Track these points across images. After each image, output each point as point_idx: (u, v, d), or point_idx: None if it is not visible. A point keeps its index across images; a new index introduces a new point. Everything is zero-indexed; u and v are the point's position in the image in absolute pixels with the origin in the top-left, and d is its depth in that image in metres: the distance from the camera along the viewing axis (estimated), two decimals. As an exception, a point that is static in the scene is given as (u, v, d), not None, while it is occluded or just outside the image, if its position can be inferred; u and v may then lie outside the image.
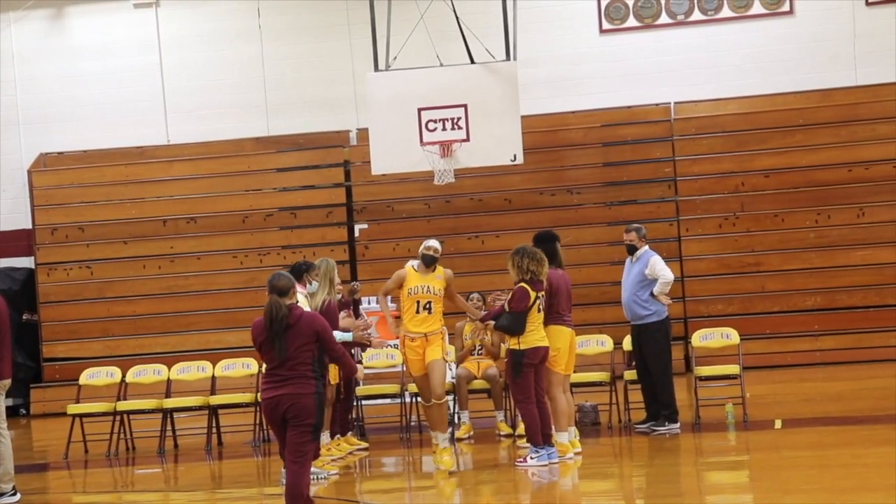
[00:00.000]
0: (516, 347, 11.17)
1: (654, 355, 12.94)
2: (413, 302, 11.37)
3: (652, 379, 12.98)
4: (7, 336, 11.09)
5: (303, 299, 11.16)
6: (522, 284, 11.19)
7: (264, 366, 8.53)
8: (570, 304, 11.86)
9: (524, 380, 11.15)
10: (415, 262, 11.53)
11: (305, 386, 8.34)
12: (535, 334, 11.20)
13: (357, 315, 13.51)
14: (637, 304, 12.96)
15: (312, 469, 11.28)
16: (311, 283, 11.57)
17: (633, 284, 13.01)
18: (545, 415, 11.30)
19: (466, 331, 14.08)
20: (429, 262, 11.41)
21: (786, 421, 13.13)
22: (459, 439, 13.41)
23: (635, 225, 13.40)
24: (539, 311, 11.22)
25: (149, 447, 14.47)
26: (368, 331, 13.42)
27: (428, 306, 11.33)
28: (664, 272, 12.85)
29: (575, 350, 12.01)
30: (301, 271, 11.61)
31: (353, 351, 12.75)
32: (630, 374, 13.45)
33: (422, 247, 11.53)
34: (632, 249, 13.15)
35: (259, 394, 8.62)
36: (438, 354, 11.31)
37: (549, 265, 11.68)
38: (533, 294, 11.16)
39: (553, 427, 11.46)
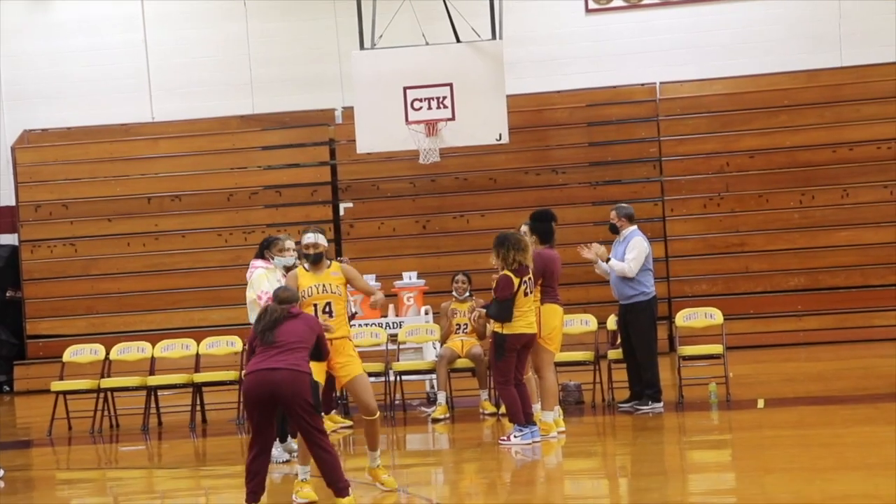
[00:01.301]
0: (499, 331, 11.17)
1: (640, 335, 12.95)
2: (309, 306, 9.45)
3: (637, 358, 13.01)
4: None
5: (266, 272, 11.09)
6: (507, 273, 11.14)
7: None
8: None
9: (505, 363, 11.17)
10: (305, 263, 9.77)
11: (302, 366, 8.52)
12: (522, 320, 11.15)
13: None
14: (624, 283, 12.95)
15: (294, 445, 11.35)
16: (274, 259, 11.43)
17: (618, 264, 13.00)
18: (524, 395, 11.32)
19: (453, 306, 14.04)
20: (314, 261, 9.61)
21: (768, 400, 13.18)
22: (436, 420, 13.43)
23: (620, 204, 13.38)
24: (525, 294, 11.16)
25: (133, 424, 14.47)
26: (354, 310, 13.42)
27: (327, 308, 9.51)
28: (629, 264, 12.76)
29: (562, 328, 12.03)
30: (263, 248, 11.53)
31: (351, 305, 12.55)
32: (614, 354, 13.49)
33: (301, 245, 9.85)
34: (614, 229, 13.15)
35: (244, 372, 8.60)
36: (360, 368, 9.63)
37: (544, 244, 11.68)
38: (517, 280, 11.12)
39: (534, 406, 11.49)
